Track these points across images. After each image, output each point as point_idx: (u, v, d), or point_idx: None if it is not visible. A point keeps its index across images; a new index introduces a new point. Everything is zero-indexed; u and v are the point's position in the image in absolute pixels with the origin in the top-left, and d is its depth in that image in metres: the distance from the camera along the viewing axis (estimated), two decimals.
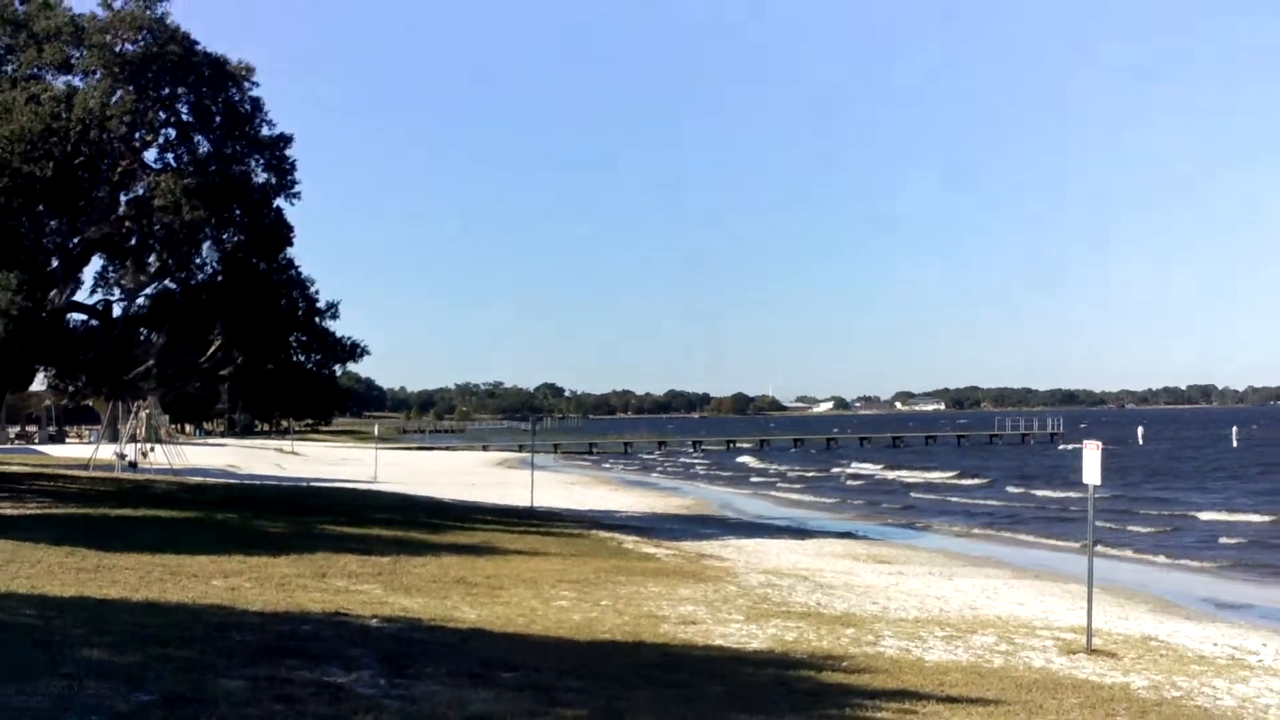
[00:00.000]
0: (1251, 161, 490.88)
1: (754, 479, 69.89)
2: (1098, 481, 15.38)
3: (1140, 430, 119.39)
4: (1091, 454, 15.27)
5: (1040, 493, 53.06)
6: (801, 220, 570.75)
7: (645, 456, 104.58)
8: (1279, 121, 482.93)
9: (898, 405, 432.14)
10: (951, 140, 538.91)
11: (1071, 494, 47.18)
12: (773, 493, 58.51)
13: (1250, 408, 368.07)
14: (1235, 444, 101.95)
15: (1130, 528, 37.41)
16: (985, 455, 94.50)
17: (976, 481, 63.57)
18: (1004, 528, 38.80)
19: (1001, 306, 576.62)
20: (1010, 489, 56.63)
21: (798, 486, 62.20)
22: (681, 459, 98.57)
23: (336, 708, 8.41)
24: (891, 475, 69.82)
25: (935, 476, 67.28)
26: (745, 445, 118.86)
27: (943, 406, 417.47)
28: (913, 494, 55.96)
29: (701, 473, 77.34)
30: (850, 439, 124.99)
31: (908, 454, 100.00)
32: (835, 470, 75.67)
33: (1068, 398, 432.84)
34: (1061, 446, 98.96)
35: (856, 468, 76.95)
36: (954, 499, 51.95)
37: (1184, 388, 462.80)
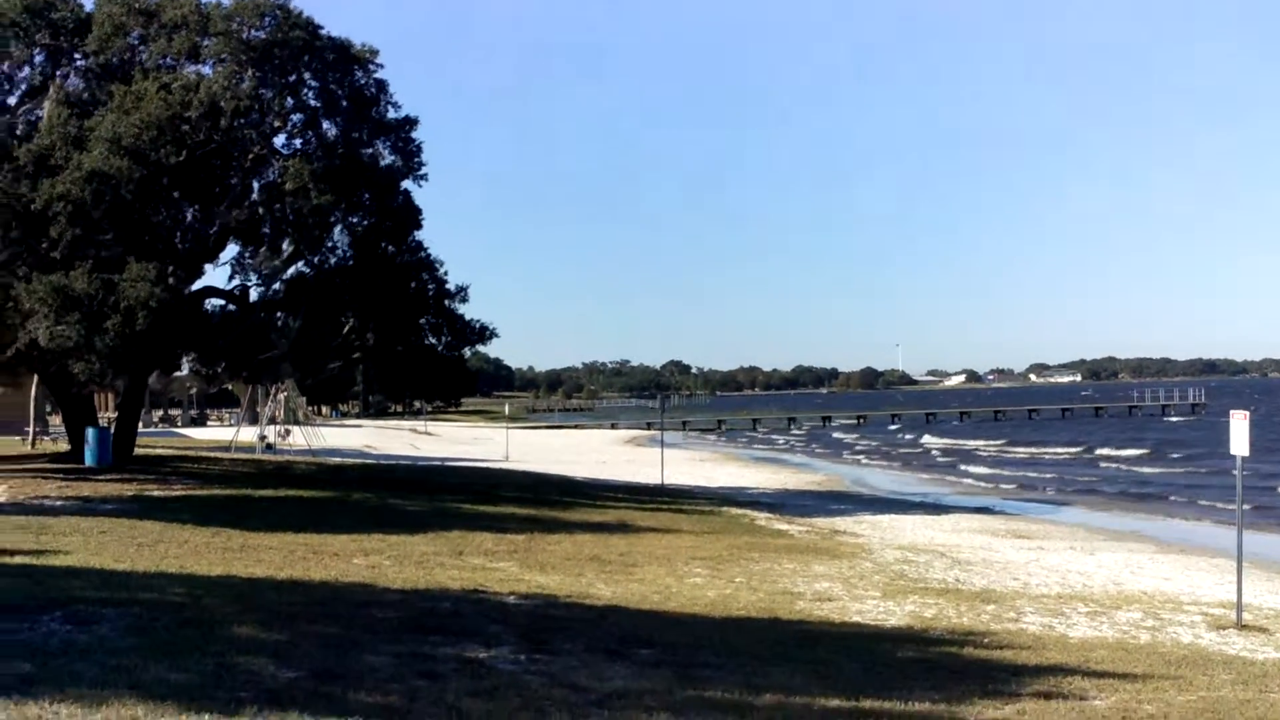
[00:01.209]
0: None
1: (887, 454, 69.17)
2: (1246, 452, 14.88)
3: None
4: (1239, 424, 14.77)
5: (1180, 469, 51.62)
6: (931, 186, 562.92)
7: (774, 433, 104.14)
8: None
9: (1032, 377, 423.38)
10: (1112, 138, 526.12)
11: (1214, 467, 45.80)
12: (906, 468, 57.87)
13: None
14: None
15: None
16: (1125, 428, 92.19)
17: (1118, 452, 62.22)
18: (1146, 502, 37.88)
19: (1139, 274, 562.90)
20: (1151, 464, 55.20)
21: (930, 462, 61.44)
22: (811, 435, 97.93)
23: (479, 683, 8.50)
24: (1022, 451, 68.54)
25: (1070, 451, 65.93)
26: (876, 420, 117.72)
27: (1079, 378, 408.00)
28: (1048, 468, 54.89)
29: (832, 449, 76.77)
30: (985, 412, 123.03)
31: (1043, 428, 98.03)
32: (967, 445, 74.55)
33: (1209, 367, 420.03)
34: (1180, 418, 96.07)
35: (985, 443, 75.62)
36: (1090, 472, 50.83)
37: None
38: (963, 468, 55.96)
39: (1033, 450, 68.81)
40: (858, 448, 75.72)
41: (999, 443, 75.08)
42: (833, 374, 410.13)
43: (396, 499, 26.53)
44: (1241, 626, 14.06)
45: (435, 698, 7.98)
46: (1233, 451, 14.92)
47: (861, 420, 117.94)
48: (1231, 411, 15.17)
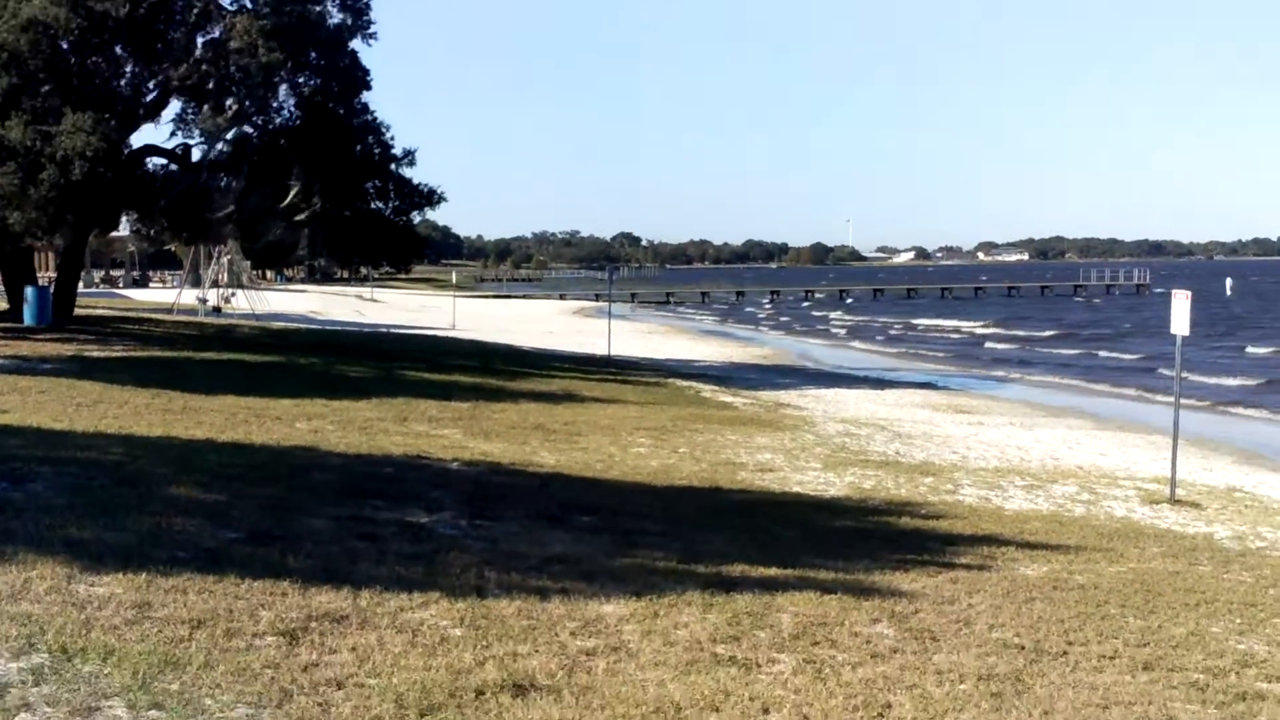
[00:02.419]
0: None
1: (832, 329, 69.63)
2: (1186, 332, 15.05)
3: (1230, 282, 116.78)
4: (1180, 303, 14.90)
5: (1121, 352, 52.30)
6: (881, 57, 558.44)
7: (722, 306, 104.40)
8: None
9: (980, 256, 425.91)
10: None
11: (1154, 349, 46.46)
12: (852, 344, 58.30)
13: None
14: None
15: (1217, 380, 36.83)
16: (1069, 309, 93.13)
17: (1057, 333, 62.90)
18: (1085, 378, 38.45)
19: (1084, 153, 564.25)
20: (1094, 343, 55.89)
21: (876, 337, 61.92)
22: (759, 309, 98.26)
23: (419, 546, 8.53)
24: (967, 327, 69.13)
25: (1019, 332, 66.58)
26: (823, 296, 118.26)
27: (1026, 257, 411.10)
28: (988, 344, 55.45)
29: (779, 323, 77.11)
30: (932, 289, 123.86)
31: (989, 306, 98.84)
32: (915, 322, 75.06)
33: (1154, 248, 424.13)
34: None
35: (936, 320, 76.15)
36: (1036, 351, 51.46)
37: (1275, 239, 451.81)
38: (853, 343, 57.34)
39: (935, 323, 69.74)
40: (800, 324, 76.03)
41: (901, 320, 75.70)
42: (783, 249, 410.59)
43: (341, 365, 26.39)
44: (1174, 502, 14.34)
45: (375, 560, 8.01)
46: (1173, 330, 15.08)
47: (810, 295, 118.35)
48: (1173, 290, 15.30)
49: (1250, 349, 49.39)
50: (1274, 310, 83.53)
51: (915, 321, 74.62)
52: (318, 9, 28.93)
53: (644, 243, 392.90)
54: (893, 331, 65.82)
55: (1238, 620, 8.38)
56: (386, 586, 7.29)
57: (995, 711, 6.12)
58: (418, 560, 8.11)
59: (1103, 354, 48.65)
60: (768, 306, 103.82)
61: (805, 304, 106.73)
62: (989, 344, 55.86)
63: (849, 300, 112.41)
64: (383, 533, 8.87)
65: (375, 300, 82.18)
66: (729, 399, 25.79)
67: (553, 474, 13.01)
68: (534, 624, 6.88)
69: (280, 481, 10.64)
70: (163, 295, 56.44)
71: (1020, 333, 63.20)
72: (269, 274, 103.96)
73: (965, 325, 70.17)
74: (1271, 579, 10.00)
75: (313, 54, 28.43)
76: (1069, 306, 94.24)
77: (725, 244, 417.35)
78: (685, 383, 29.36)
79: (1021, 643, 7.35)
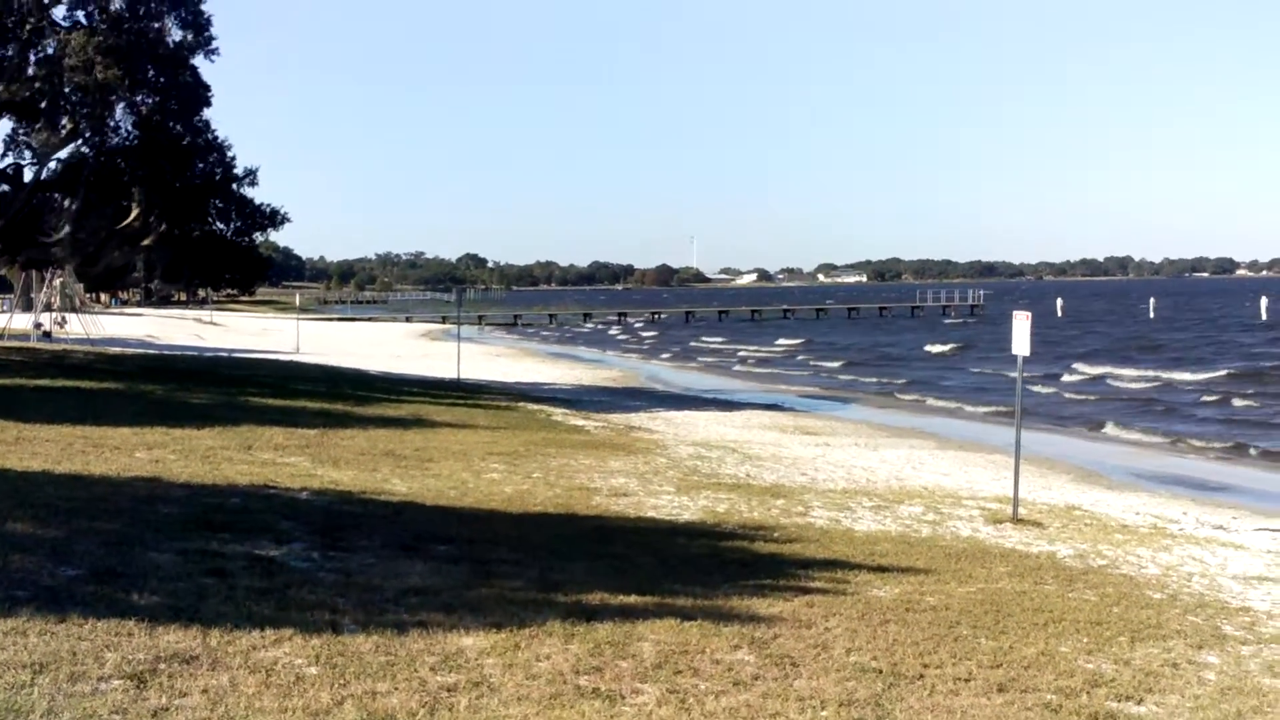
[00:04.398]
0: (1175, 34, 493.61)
1: (681, 351, 70.13)
2: (1026, 352, 15.48)
3: (1060, 302, 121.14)
4: (1021, 324, 15.34)
5: (971, 368, 53.74)
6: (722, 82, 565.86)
7: (571, 329, 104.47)
8: None
9: (820, 277, 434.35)
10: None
11: (997, 370, 47.84)
12: (700, 364, 58.78)
13: (1166, 279, 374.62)
14: (1153, 315, 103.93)
15: (1075, 395, 38.11)
16: (905, 329, 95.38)
17: (930, 350, 64.78)
18: (926, 397, 39.37)
19: (922, 178, 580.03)
20: (935, 365, 57.33)
21: (725, 359, 62.56)
22: (607, 331, 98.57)
23: (270, 581, 8.29)
24: (817, 347, 70.36)
25: (875, 351, 68.04)
26: (670, 317, 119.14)
27: (864, 278, 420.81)
28: (839, 364, 56.44)
29: (627, 345, 77.45)
30: (774, 310, 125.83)
31: (831, 328, 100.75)
32: (760, 343, 76.06)
33: (987, 269, 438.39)
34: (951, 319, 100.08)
35: (782, 341, 77.29)
36: (873, 371, 52.53)
37: (1101, 259, 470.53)
38: (699, 364, 58.34)
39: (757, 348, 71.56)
40: (649, 346, 76.48)
41: (722, 339, 77.30)
42: (629, 270, 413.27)
43: (182, 391, 25.65)
44: (1017, 521, 14.73)
45: (224, 596, 7.76)
46: (1014, 351, 15.49)
47: (657, 317, 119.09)
48: (1014, 312, 15.74)
49: (1078, 366, 51.05)
50: (1103, 327, 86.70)
51: (756, 342, 75.71)
52: (157, 26, 28.20)
53: (490, 264, 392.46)
54: (743, 354, 66.54)
55: (1085, 639, 8.61)
56: (237, 624, 7.06)
57: None
58: (269, 595, 7.89)
59: (936, 374, 49.92)
60: (616, 326, 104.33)
61: (653, 326, 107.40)
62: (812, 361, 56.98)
63: (697, 321, 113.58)
64: (231, 567, 8.60)
65: (215, 324, 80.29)
66: (580, 422, 25.77)
67: (406, 502, 12.79)
68: (392, 660, 6.73)
69: (122, 515, 10.25)
70: None
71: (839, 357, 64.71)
72: (104, 297, 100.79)
73: (784, 342, 72.44)
74: (1114, 597, 10.33)
75: (152, 71, 27.69)
76: (905, 328, 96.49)
77: (571, 265, 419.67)
78: (536, 406, 29.25)
79: (879, 666, 7.45)
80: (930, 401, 38.40)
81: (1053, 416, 33.23)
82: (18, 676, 5.83)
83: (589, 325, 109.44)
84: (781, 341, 76.53)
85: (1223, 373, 45.67)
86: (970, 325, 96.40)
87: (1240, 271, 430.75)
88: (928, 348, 66.67)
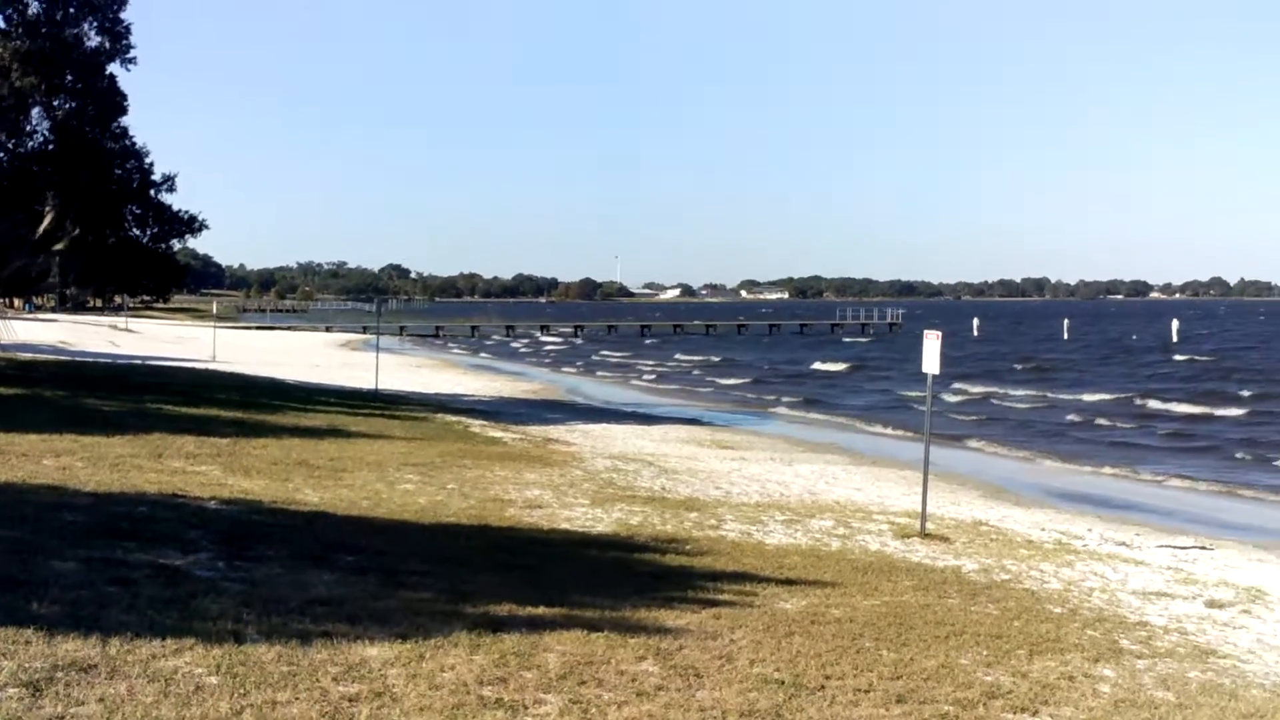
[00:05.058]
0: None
1: (602, 365, 70.22)
2: (936, 371, 15.73)
3: (976, 322, 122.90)
4: (931, 343, 15.59)
5: (881, 384, 54.31)
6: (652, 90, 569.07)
7: (492, 341, 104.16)
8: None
9: (743, 294, 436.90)
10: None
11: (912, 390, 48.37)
12: (620, 378, 58.89)
13: (1081, 301, 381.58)
14: (1066, 336, 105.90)
15: (961, 416, 38.68)
16: (828, 347, 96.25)
17: (826, 368, 65.22)
18: (844, 415, 39.77)
19: (838, 196, 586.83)
20: (857, 379, 57.90)
21: (646, 373, 62.74)
22: (529, 343, 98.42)
23: (174, 590, 8.23)
24: (739, 361, 70.83)
25: (786, 367, 68.50)
26: (593, 330, 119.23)
27: (786, 295, 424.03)
28: (756, 380, 56.83)
29: (549, 358, 77.40)
30: (698, 327, 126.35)
31: (752, 343, 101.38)
32: (682, 357, 76.38)
33: (906, 289, 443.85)
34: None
35: (705, 356, 77.65)
36: (796, 387, 52.94)
37: (1018, 280, 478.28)
38: (620, 377, 58.08)
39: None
40: (570, 359, 76.54)
41: (666, 357, 77.99)
42: (553, 284, 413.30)
43: (92, 398, 25.24)
44: (925, 535, 14.95)
45: (126, 605, 7.69)
46: (924, 369, 15.75)
47: (580, 330, 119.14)
48: (925, 331, 16.00)
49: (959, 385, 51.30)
50: (1021, 347, 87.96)
51: (680, 358, 76.00)
52: (75, 31, 27.83)
53: (413, 275, 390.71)
54: (663, 369, 66.74)
55: (985, 652, 8.79)
56: (138, 633, 7.01)
57: None
58: (172, 605, 7.83)
59: (860, 390, 50.41)
60: (541, 338, 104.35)
61: (574, 339, 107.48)
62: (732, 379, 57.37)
63: (613, 335, 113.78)
64: (135, 576, 8.52)
65: (130, 331, 78.86)
66: (498, 434, 25.72)
67: (317, 512, 12.73)
68: (294, 670, 6.72)
69: (25, 523, 10.11)
70: None
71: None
72: (16, 303, 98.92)
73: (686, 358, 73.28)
74: (1016, 611, 10.54)
75: (69, 77, 27.32)
76: (828, 345, 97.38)
77: (495, 277, 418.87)
78: (454, 417, 29.13)
79: (781, 677, 7.55)
80: (845, 419, 38.79)
81: (970, 434, 33.70)
82: None
83: (510, 337, 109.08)
84: (681, 356, 77.06)
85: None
86: (879, 341, 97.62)
87: (1154, 294, 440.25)
88: (828, 366, 67.43)
